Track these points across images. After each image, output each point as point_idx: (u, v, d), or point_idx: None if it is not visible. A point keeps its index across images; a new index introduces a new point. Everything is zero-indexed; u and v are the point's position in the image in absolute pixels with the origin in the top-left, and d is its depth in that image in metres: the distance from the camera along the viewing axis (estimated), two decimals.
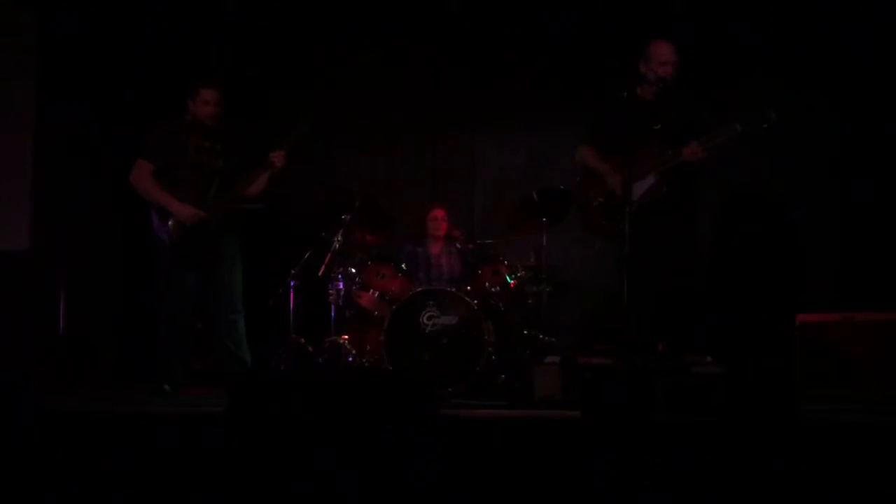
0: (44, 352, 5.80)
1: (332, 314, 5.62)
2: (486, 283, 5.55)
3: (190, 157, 4.93)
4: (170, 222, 4.85)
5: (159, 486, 3.17)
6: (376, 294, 5.59)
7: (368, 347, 5.59)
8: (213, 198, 4.92)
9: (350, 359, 5.48)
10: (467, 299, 5.29)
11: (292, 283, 5.74)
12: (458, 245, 5.98)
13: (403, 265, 5.72)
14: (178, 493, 3.15)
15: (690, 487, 2.98)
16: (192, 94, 4.97)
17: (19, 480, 3.19)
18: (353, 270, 5.64)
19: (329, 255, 5.64)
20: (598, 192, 4.76)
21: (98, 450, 3.37)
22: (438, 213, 6.03)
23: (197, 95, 4.96)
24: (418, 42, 6.64)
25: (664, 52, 4.61)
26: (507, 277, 5.58)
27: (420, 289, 5.44)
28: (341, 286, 5.59)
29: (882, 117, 5.80)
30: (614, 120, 4.73)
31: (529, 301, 5.64)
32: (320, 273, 5.67)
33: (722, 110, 4.73)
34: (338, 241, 5.61)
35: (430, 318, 5.27)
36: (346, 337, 5.62)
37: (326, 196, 5.74)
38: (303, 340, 5.62)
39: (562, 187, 5.46)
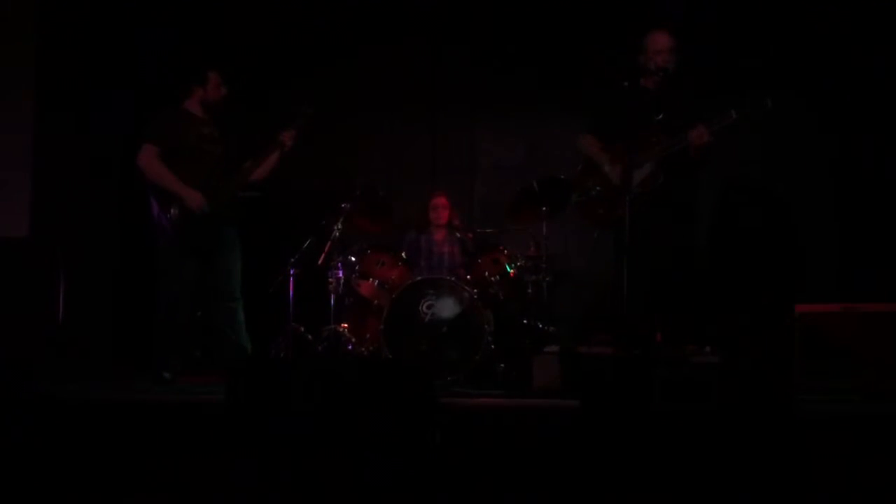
0: (43, 339, 5.80)
1: (332, 302, 5.62)
2: (486, 273, 5.55)
3: (191, 145, 4.92)
4: (172, 209, 4.84)
5: (158, 474, 3.18)
6: (376, 282, 5.59)
7: (368, 336, 5.60)
8: (215, 185, 4.92)
9: (349, 347, 5.48)
10: (467, 288, 5.29)
11: (292, 272, 5.74)
12: (458, 234, 5.98)
13: (403, 253, 5.73)
14: (178, 480, 3.16)
15: (688, 477, 2.99)
16: (203, 79, 4.98)
17: (19, 467, 3.20)
18: (353, 259, 5.64)
19: (329, 244, 5.64)
20: (596, 181, 4.75)
21: (97, 437, 3.37)
22: (440, 200, 6.03)
23: (208, 80, 4.98)
24: (420, 31, 6.62)
25: (659, 41, 4.62)
26: (507, 267, 5.58)
27: (419, 277, 5.44)
28: (341, 274, 5.59)
29: (881, 109, 5.79)
30: (616, 109, 4.72)
31: (529, 290, 5.63)
32: (320, 261, 5.67)
33: (721, 101, 4.72)
34: (338, 229, 5.61)
35: (429, 307, 5.27)
36: (346, 325, 5.62)
37: (326, 184, 5.74)
38: (302, 329, 5.62)
39: (562, 176, 5.45)
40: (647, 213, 4.48)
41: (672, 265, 4.61)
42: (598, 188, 4.73)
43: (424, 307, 5.27)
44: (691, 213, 4.79)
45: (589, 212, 4.84)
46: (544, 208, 5.53)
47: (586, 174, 4.84)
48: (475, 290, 5.31)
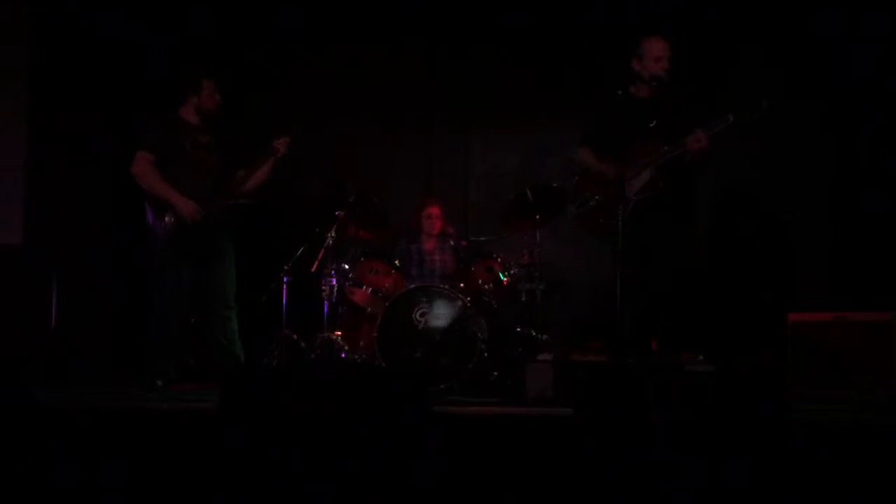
0: (36, 346, 5.78)
1: (325, 310, 5.60)
2: (480, 281, 5.55)
3: (187, 154, 4.92)
4: (167, 217, 4.84)
5: (151, 482, 3.17)
6: (369, 290, 5.59)
7: (361, 343, 5.59)
8: (211, 193, 4.92)
9: (343, 355, 5.47)
10: (460, 296, 5.29)
11: (285, 279, 5.74)
12: (451, 242, 5.98)
13: (396, 261, 5.72)
14: (171, 488, 3.15)
15: (681, 486, 2.99)
16: (196, 87, 4.98)
17: (11, 474, 3.19)
18: (347, 266, 5.64)
19: (322, 251, 5.64)
20: (595, 191, 4.74)
21: (90, 444, 3.36)
22: (434, 210, 6.03)
23: (201, 88, 4.99)
24: (414, 38, 6.63)
25: (658, 49, 4.63)
26: (501, 274, 5.58)
27: (413, 285, 5.44)
28: (334, 282, 5.58)
29: (875, 116, 5.81)
30: (611, 120, 4.74)
31: (522, 298, 5.63)
32: (313, 269, 5.67)
33: (716, 106, 4.74)
34: (331, 236, 5.61)
35: (422, 315, 5.27)
36: (339, 333, 5.61)
37: (320, 191, 5.74)
38: (295, 336, 5.61)
39: (556, 184, 5.46)
40: (646, 220, 4.48)
41: (669, 272, 4.61)
42: (596, 198, 4.71)
43: (418, 315, 5.27)
44: (690, 218, 4.79)
45: (589, 222, 4.82)
46: (538, 216, 5.53)
47: (584, 185, 4.83)
48: (469, 298, 5.30)
